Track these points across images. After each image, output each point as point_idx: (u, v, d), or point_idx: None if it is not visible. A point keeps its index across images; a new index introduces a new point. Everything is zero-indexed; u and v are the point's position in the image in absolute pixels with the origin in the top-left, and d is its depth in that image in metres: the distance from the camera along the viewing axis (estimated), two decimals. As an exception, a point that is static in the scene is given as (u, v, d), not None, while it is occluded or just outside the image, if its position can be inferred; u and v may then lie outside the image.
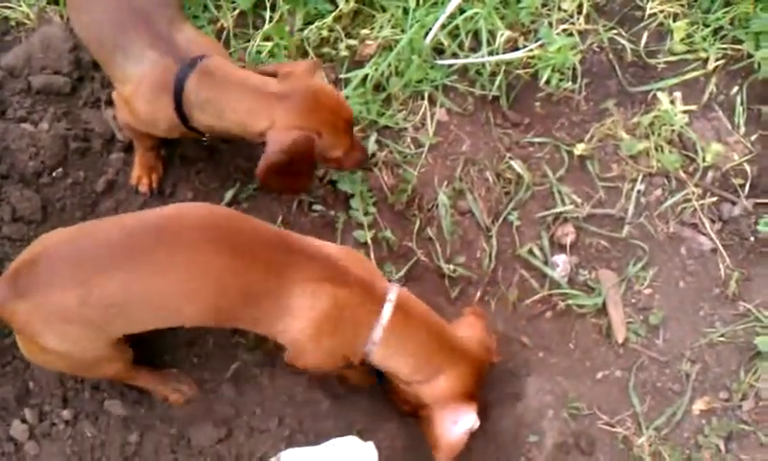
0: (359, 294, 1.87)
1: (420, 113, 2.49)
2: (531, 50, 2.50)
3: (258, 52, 2.47)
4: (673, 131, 2.50)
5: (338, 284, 1.84)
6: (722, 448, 2.27)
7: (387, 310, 1.90)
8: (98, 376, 2.10)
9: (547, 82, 2.51)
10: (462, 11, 2.48)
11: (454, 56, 2.52)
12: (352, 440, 1.96)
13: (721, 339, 2.35)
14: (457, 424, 1.93)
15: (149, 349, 2.15)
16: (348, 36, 2.52)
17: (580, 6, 2.57)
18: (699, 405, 2.31)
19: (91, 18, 2.13)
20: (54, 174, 2.32)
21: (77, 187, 2.33)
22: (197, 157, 2.40)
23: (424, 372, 1.95)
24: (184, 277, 1.76)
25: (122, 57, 2.05)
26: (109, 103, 2.40)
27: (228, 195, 2.37)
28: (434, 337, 1.96)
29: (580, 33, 2.57)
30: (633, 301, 2.39)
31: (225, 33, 2.50)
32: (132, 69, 2.05)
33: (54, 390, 2.14)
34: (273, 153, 1.99)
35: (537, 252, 2.42)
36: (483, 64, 2.51)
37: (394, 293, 1.92)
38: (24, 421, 2.11)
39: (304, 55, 2.49)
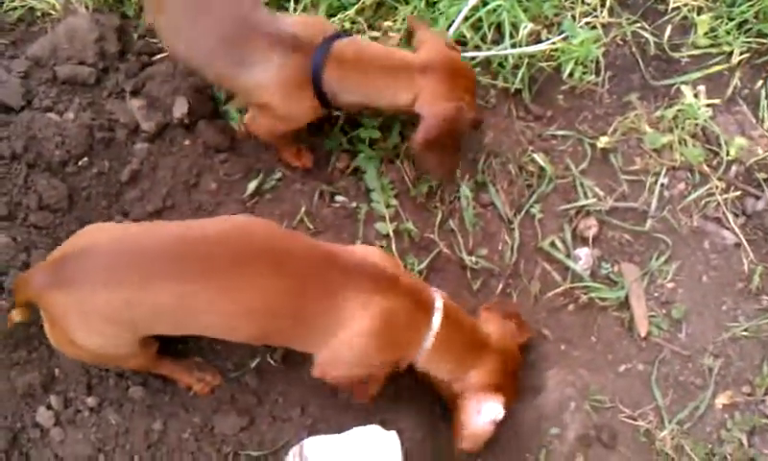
0: (410, 303, 1.90)
1: (443, 106, 2.51)
2: (554, 43, 2.51)
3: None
4: (696, 124, 2.50)
5: (390, 296, 1.87)
6: (745, 442, 2.27)
7: (437, 319, 1.94)
8: (122, 367, 2.13)
9: (570, 75, 2.52)
10: (485, 3, 2.49)
11: (477, 48, 2.54)
12: (375, 429, 1.98)
13: (744, 333, 2.36)
14: (482, 413, 1.95)
15: (173, 338, 2.18)
16: (371, 27, 2.54)
17: (603, -1, 2.59)
18: (721, 400, 2.31)
19: (192, 46, 2.12)
20: (79, 163, 2.35)
21: (102, 177, 2.36)
22: (220, 147, 2.42)
23: (460, 370, 1.99)
24: (245, 297, 1.77)
25: (245, 69, 2.06)
26: (135, 94, 2.43)
27: (252, 186, 2.39)
28: (468, 338, 2.01)
29: (603, 26, 2.58)
30: (655, 294, 2.40)
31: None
32: (262, 76, 2.06)
33: (79, 377, 2.17)
34: (431, 125, 2.05)
35: (559, 244, 2.43)
36: (506, 57, 2.52)
37: (440, 300, 1.97)
38: (50, 407, 2.14)
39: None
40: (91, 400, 2.16)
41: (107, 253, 1.74)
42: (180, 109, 2.40)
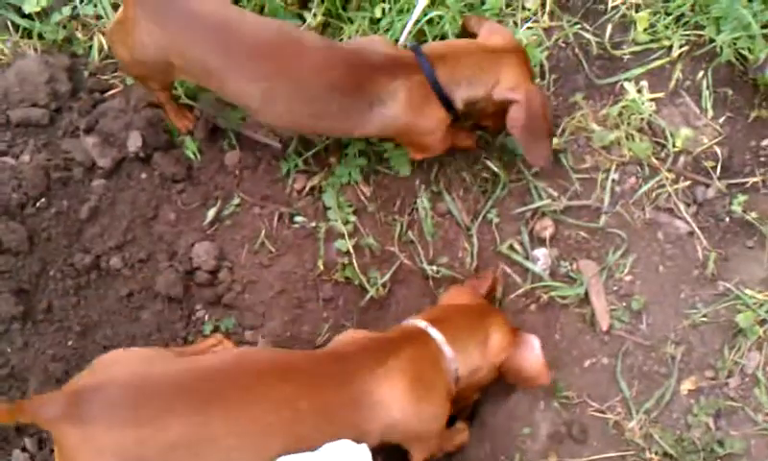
0: (410, 344, 2.00)
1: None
2: (498, 50, 2.59)
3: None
4: (642, 119, 2.59)
5: (397, 352, 1.96)
6: (711, 425, 2.35)
7: (433, 332, 2.04)
8: None
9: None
10: (425, 14, 2.56)
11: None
12: (346, 443, 2.02)
13: (703, 319, 2.44)
14: (534, 348, 2.13)
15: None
16: (319, 49, 2.60)
17: (543, 3, 2.67)
18: (686, 386, 2.39)
19: (305, 110, 2.16)
20: (37, 204, 2.39)
21: (61, 216, 2.40)
22: (177, 178, 2.47)
23: (484, 346, 2.10)
24: (259, 411, 1.82)
25: (377, 108, 2.14)
26: (89, 131, 2.48)
27: (211, 213, 2.44)
28: (466, 318, 2.12)
29: (545, 30, 2.67)
30: (614, 288, 2.48)
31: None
32: (396, 109, 2.16)
33: (50, 417, 2.20)
34: (532, 107, 2.18)
35: (517, 247, 2.51)
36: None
37: (418, 319, 2.07)
38: (24, 449, 2.17)
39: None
40: (64, 440, 2.19)
41: (121, 388, 1.77)
42: (134, 142, 2.45)
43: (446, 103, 2.21)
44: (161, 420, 1.75)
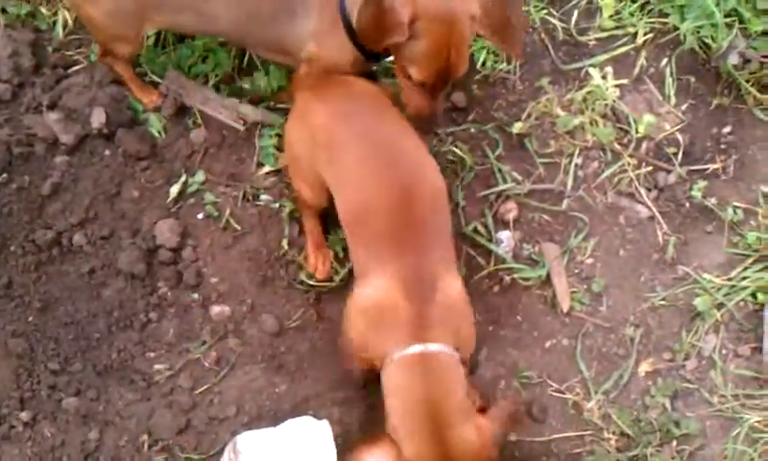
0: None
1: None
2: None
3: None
4: (606, 105, 2.70)
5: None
6: (668, 406, 2.46)
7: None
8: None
9: (483, 64, 2.70)
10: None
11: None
12: (307, 419, 2.11)
13: (662, 303, 2.56)
14: None
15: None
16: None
17: (510, -12, 2.77)
18: (644, 367, 2.51)
19: (241, 10, 2.21)
20: (-2, 180, 2.45)
21: (22, 192, 2.46)
22: (141, 155, 2.54)
23: None
24: None
25: (298, 20, 2.19)
26: (52, 107, 2.53)
27: (174, 190, 2.52)
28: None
29: (512, 14, 2.76)
30: (576, 271, 2.59)
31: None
32: (306, 26, 2.21)
33: (11, 393, 2.27)
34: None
35: (481, 229, 2.61)
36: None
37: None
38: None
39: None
40: (25, 415, 2.26)
41: None
42: (97, 119, 2.50)
43: (352, 33, 2.17)
44: None
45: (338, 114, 2.19)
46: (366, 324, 2.08)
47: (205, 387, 2.36)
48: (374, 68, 2.49)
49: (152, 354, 2.38)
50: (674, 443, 2.41)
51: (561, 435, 2.42)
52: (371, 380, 2.17)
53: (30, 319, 2.38)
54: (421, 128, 2.28)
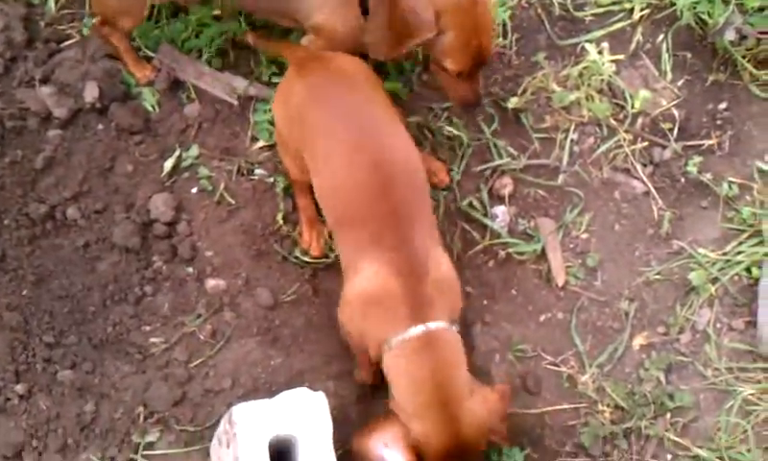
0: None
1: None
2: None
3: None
4: (602, 80, 2.71)
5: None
6: (662, 379, 2.48)
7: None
8: None
9: (478, 40, 2.70)
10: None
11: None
12: (303, 391, 2.12)
13: (657, 277, 2.58)
14: None
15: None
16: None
17: (506, -37, 2.78)
18: (638, 341, 2.53)
19: None
20: (-9, 153, 2.45)
21: (15, 166, 2.47)
22: (134, 129, 2.54)
23: None
24: None
25: None
26: (44, 81, 2.53)
27: (168, 165, 2.52)
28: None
29: (508, -11, 2.78)
30: (571, 246, 2.60)
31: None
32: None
33: (6, 365, 2.28)
34: None
35: (477, 204, 2.62)
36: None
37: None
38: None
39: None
40: (20, 388, 2.27)
41: None
42: (90, 93, 2.51)
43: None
44: None
45: (313, 93, 2.17)
46: (362, 316, 2.08)
47: (201, 360, 2.37)
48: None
49: (147, 328, 2.39)
50: (668, 415, 2.43)
51: (555, 408, 2.44)
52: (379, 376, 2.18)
53: (24, 292, 2.38)
54: (467, 110, 2.45)
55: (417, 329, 1.99)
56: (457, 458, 2.00)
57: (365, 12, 2.21)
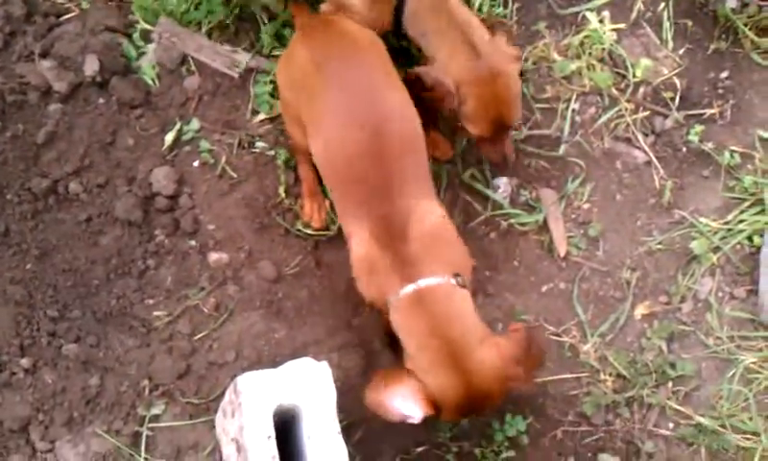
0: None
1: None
2: (461, -22, 2.68)
3: None
4: (603, 49, 2.72)
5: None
6: (664, 348, 2.51)
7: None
8: None
9: (479, 8, 2.70)
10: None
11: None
12: (307, 361, 2.14)
13: (659, 246, 2.60)
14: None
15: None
16: None
17: (507, -69, 2.77)
18: (640, 310, 2.55)
19: None
20: (-8, 128, 2.46)
21: (17, 140, 2.48)
22: (135, 103, 2.55)
23: None
24: None
25: None
26: (44, 55, 2.54)
27: (169, 138, 2.53)
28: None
29: (508, -42, 2.77)
30: (572, 216, 2.62)
31: None
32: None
33: (11, 339, 2.30)
34: None
35: (478, 175, 2.63)
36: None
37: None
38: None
39: None
40: (25, 362, 2.29)
41: None
42: (91, 66, 2.51)
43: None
44: None
45: (315, 57, 2.18)
46: (363, 277, 2.12)
47: (205, 333, 2.40)
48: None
49: (150, 301, 2.41)
50: (670, 384, 2.46)
51: (557, 377, 2.47)
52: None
53: (28, 266, 2.40)
54: (498, 168, 2.58)
55: (407, 289, 2.01)
56: (475, 408, 2.02)
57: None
